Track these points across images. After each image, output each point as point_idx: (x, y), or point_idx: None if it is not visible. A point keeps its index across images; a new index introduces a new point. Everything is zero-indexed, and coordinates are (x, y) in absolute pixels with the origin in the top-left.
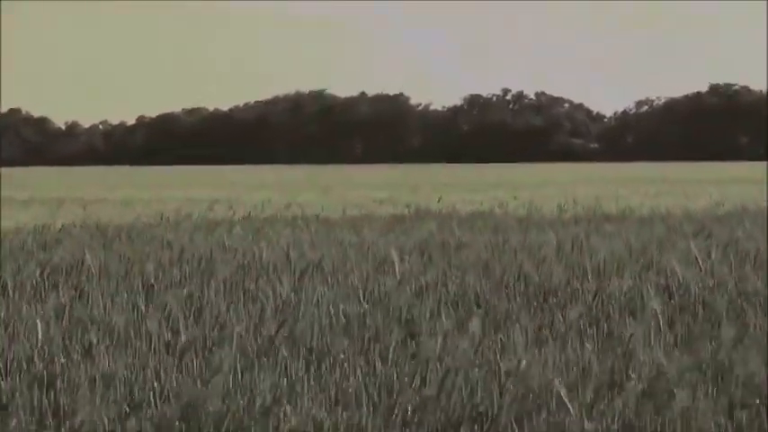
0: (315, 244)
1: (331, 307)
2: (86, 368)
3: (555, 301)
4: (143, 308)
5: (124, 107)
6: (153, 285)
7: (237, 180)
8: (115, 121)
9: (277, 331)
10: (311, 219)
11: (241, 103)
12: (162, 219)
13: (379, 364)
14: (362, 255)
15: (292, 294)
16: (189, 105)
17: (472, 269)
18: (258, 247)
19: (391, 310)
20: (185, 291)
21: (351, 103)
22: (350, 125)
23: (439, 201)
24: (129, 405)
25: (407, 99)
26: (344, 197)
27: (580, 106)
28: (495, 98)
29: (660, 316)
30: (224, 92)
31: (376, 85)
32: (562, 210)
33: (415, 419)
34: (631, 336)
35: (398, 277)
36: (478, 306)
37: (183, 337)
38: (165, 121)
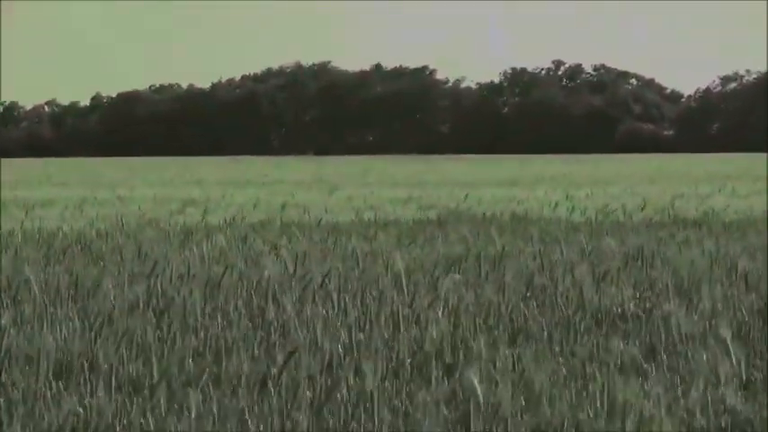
0: (314, 256)
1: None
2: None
3: (617, 327)
4: (98, 336)
5: (76, 84)
6: (114, 307)
7: (218, 175)
8: (65, 102)
9: (279, 374)
10: (312, 224)
11: (224, 79)
12: (122, 225)
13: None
14: (376, 270)
15: (295, 321)
16: (158, 81)
17: (515, 287)
18: (244, 261)
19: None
20: (153, 315)
21: (362, 79)
22: (361, 107)
23: (466, 199)
24: None
25: (433, 74)
26: (355, 197)
27: (651, 83)
28: (543, 73)
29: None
30: (202, 64)
31: (393, 57)
32: (627, 213)
33: None
34: (699, 374)
35: (423, 302)
36: (518, 333)
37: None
38: (128, 102)
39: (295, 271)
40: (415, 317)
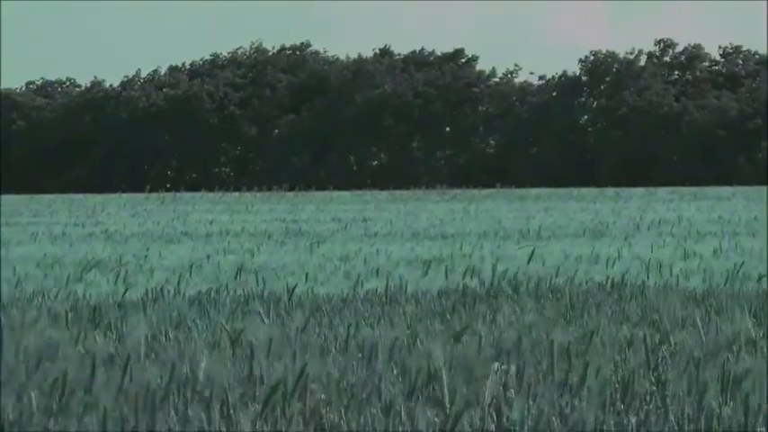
0: (288, 347)
1: None
2: None
3: None
4: None
5: None
6: None
7: (136, 222)
8: None
9: None
10: (282, 299)
11: (142, 73)
12: None
13: None
14: (388, 372)
15: None
16: (37, 77)
17: (592, 398)
18: (182, 357)
19: None
20: None
21: (359, 70)
22: (358, 113)
23: (531, 259)
24: None
25: (471, 63)
26: (350, 255)
27: None
28: (642, 60)
29: None
30: (108, 51)
31: (408, 39)
32: None
33: None
34: None
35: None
36: None
37: None
38: None
39: (252, 372)
40: None
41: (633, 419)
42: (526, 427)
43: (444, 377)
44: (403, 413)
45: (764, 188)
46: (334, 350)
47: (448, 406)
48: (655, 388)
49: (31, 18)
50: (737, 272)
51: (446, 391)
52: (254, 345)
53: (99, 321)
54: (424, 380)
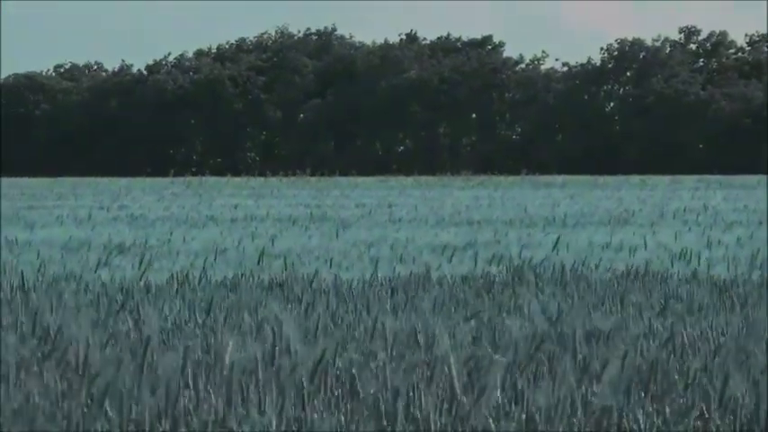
0: (312, 333)
1: None
2: None
3: None
4: None
5: None
6: None
7: (161, 206)
8: None
9: None
10: (306, 285)
11: (169, 57)
12: (10, 283)
13: None
14: (407, 358)
15: None
16: (65, 60)
17: (613, 388)
18: (207, 341)
19: None
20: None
21: (386, 56)
22: (383, 99)
23: (556, 247)
24: None
25: (498, 50)
26: (375, 241)
27: None
28: (669, 46)
29: None
30: (134, 34)
31: (434, 24)
32: None
33: None
34: None
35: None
36: None
37: None
38: (19, 92)
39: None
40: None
41: (655, 406)
42: (546, 413)
43: (453, 364)
44: (426, 404)
45: None
46: (357, 336)
47: (459, 393)
48: (677, 376)
49: (60, 3)
50: (756, 260)
51: (456, 378)
52: (276, 330)
53: (124, 305)
54: (437, 367)
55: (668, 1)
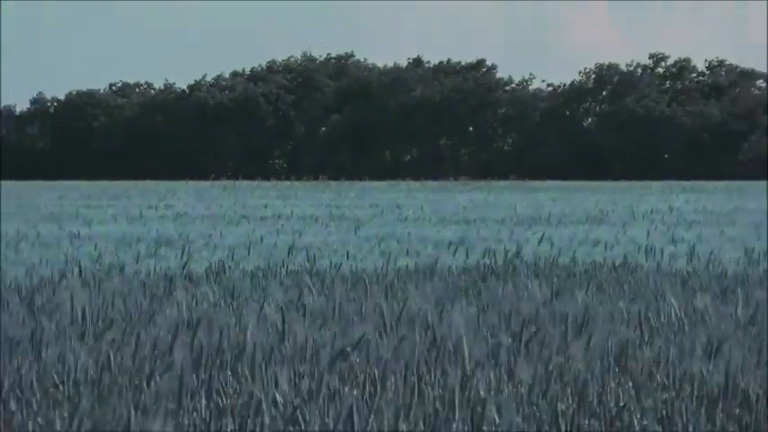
0: (329, 315)
1: None
2: None
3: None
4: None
5: (11, 84)
6: (58, 386)
7: (201, 204)
8: None
9: None
10: (328, 273)
11: (208, 77)
12: (70, 271)
13: None
14: (415, 337)
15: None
16: (118, 79)
17: (589, 362)
18: (239, 322)
19: None
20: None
21: (396, 77)
22: (394, 115)
23: (541, 242)
24: None
25: (491, 71)
26: (387, 236)
27: None
28: (640, 70)
29: None
30: (178, 56)
31: (437, 48)
32: (754, 260)
33: None
34: None
35: (483, 379)
36: None
37: None
38: (79, 106)
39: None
40: (472, 400)
41: (630, 383)
42: (534, 387)
43: (465, 342)
44: (433, 373)
45: (744, 183)
46: (371, 318)
47: (468, 367)
48: (649, 353)
49: (115, 25)
50: (715, 257)
51: (466, 354)
52: (299, 313)
53: (171, 291)
54: (447, 345)
55: (641, 30)
